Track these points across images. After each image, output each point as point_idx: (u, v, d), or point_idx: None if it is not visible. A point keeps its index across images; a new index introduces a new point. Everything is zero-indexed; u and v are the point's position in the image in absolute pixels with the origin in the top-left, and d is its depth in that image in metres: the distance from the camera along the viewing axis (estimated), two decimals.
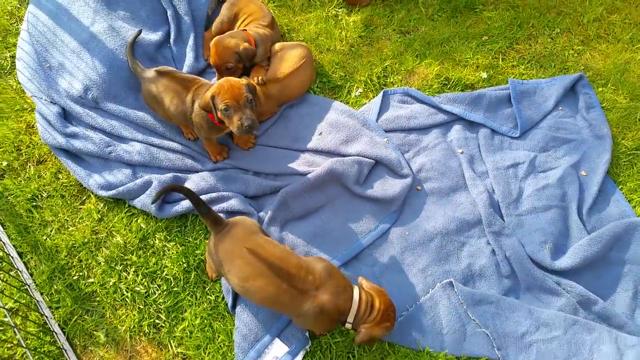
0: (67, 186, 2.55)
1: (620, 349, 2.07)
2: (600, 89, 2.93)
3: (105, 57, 2.70)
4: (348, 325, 1.89)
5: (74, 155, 2.61)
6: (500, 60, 3.03)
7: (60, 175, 2.57)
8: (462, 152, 2.67)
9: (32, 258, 2.34)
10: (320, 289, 1.84)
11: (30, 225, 2.43)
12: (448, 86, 2.92)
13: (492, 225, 2.41)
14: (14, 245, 2.36)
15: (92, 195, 2.51)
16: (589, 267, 2.32)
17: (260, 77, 2.66)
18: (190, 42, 2.90)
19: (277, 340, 2.10)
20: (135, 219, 2.44)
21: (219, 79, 2.66)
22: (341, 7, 3.21)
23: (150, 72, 2.57)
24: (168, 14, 2.94)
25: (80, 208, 2.50)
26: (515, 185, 2.58)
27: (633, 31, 3.17)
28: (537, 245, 2.36)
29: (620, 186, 2.62)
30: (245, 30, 2.78)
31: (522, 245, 2.36)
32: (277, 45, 2.84)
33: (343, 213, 2.47)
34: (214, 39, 2.64)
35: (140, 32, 2.79)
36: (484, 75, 2.96)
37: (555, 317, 2.14)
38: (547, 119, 2.81)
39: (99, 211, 2.47)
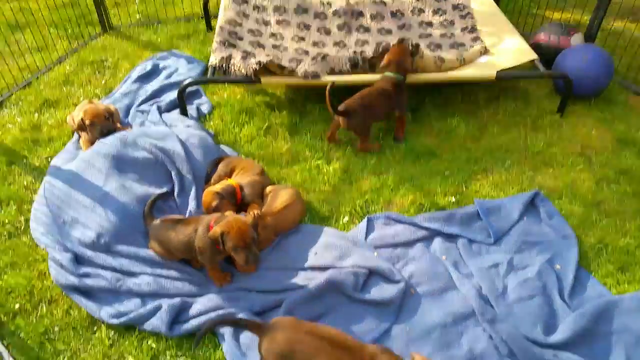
0: (78, 320, 2.92)
1: None
2: (556, 202, 3.71)
3: (117, 209, 3.37)
4: None
5: (85, 293, 3.04)
6: (464, 187, 3.85)
7: (71, 311, 2.97)
8: (445, 259, 3.25)
9: None
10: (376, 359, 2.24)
11: (42, 354, 2.73)
12: (423, 209, 3.65)
13: (485, 314, 2.87)
14: None
15: (103, 325, 2.88)
16: (581, 341, 2.74)
17: (256, 212, 3.33)
18: (192, 193, 3.64)
19: None
20: (146, 340, 2.80)
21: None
22: (320, 159, 4.11)
23: (156, 222, 3.26)
24: (172, 174, 3.73)
25: (92, 337, 2.84)
26: (499, 281, 3.11)
27: (572, 158, 4.13)
28: (530, 326, 2.81)
29: (593, 274, 3.19)
30: (228, 179, 3.60)
31: (515, 327, 2.79)
32: (269, 188, 3.61)
33: (345, 317, 2.90)
34: None
35: (166, 193, 3.60)
36: (452, 199, 3.73)
37: None
38: (515, 227, 3.49)
39: (110, 338, 2.82)
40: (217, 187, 3.46)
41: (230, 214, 3.29)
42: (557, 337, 2.75)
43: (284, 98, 4.91)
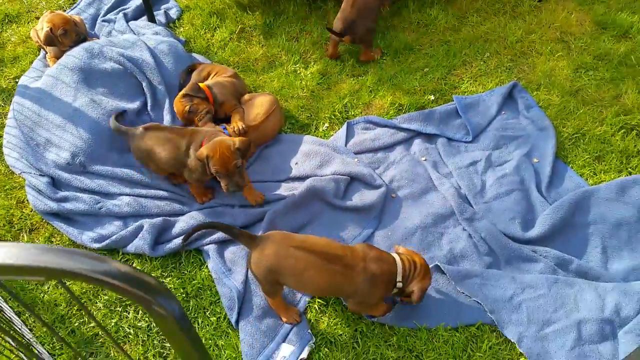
0: None
1: (600, 295, 2.24)
2: (534, 93, 3.34)
3: (88, 125, 2.98)
4: (399, 285, 2.09)
5: (66, 218, 2.76)
6: (443, 84, 3.44)
7: (53, 239, 2.71)
8: (425, 160, 2.96)
9: (30, 316, 2.39)
10: (367, 260, 2.08)
11: (26, 286, 2.51)
12: (402, 110, 3.28)
13: (463, 213, 2.64)
14: (10, 307, 2.41)
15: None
16: (558, 233, 2.54)
17: (240, 125, 2.93)
18: (166, 105, 3.22)
19: (282, 344, 2.17)
20: (130, 263, 2.56)
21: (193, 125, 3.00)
22: (298, 64, 3.63)
23: (138, 130, 2.79)
24: (143, 85, 3.27)
25: None
26: (477, 179, 2.85)
27: (550, 45, 3.68)
28: (508, 222, 2.59)
29: (570, 165, 2.92)
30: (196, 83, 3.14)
31: (494, 224, 2.57)
32: (247, 96, 3.20)
33: (328, 225, 2.67)
34: None
35: (124, 112, 3.14)
36: (432, 97, 3.35)
37: (537, 279, 2.31)
38: (493, 123, 3.16)
39: None
40: (182, 91, 3.05)
41: (213, 127, 2.90)
42: (534, 232, 2.54)
43: None
